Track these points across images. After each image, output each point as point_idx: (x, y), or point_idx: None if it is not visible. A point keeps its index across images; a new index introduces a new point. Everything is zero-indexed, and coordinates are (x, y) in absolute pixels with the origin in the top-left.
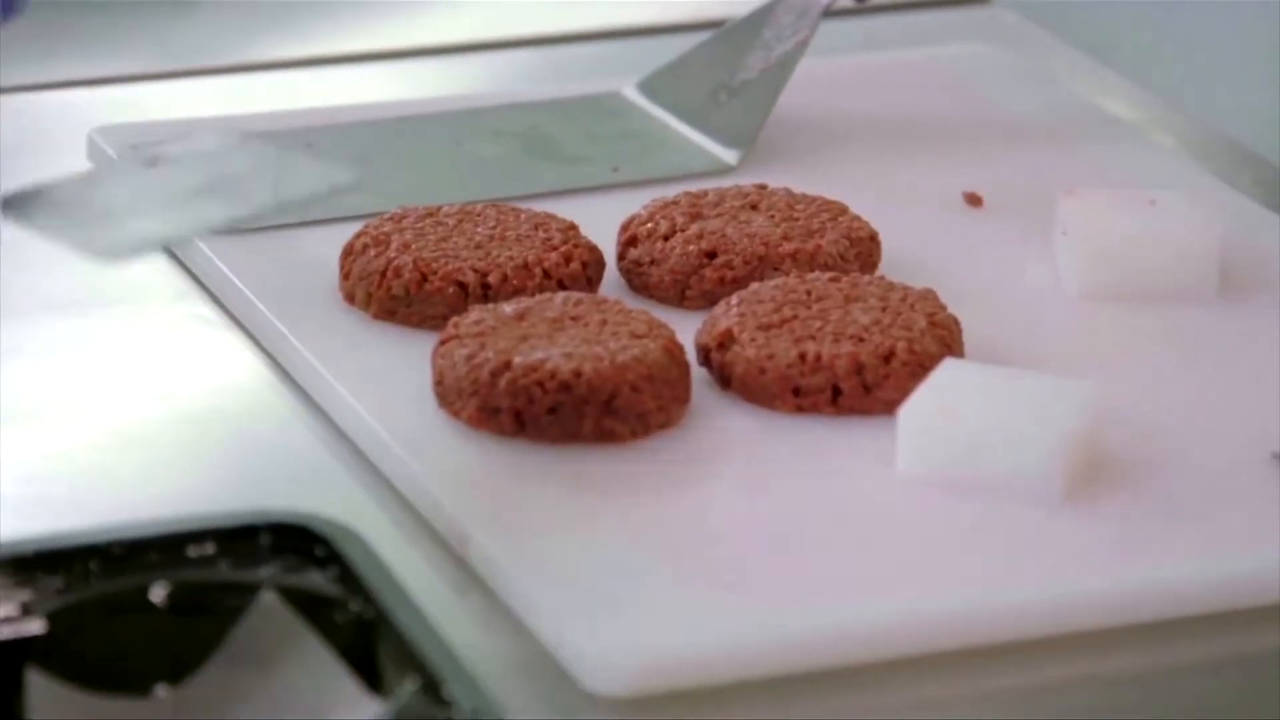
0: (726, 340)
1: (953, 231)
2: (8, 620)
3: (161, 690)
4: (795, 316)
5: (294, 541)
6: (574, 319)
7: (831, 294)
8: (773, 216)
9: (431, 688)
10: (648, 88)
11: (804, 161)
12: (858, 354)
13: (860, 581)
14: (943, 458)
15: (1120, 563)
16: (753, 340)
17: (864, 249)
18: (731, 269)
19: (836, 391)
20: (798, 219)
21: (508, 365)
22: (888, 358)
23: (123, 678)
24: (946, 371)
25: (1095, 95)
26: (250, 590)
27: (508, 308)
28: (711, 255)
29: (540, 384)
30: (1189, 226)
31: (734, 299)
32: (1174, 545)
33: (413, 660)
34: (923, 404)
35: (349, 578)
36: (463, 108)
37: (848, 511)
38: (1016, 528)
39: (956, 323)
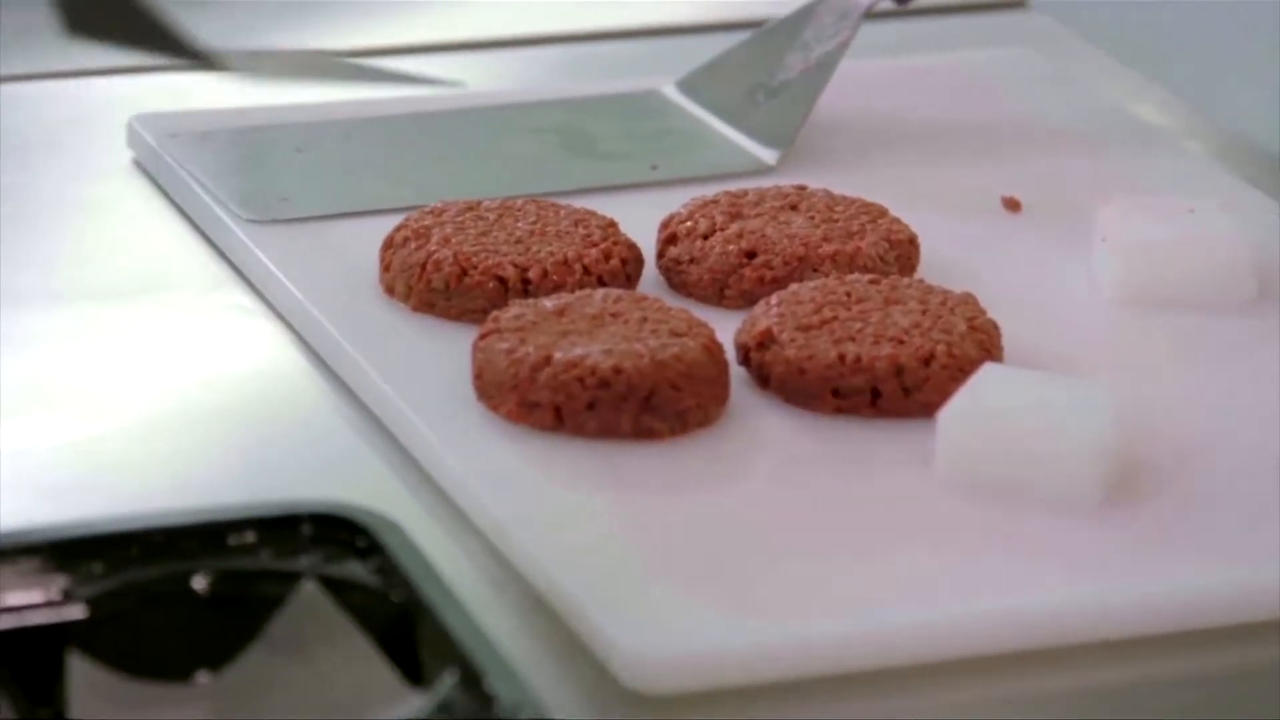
0: (766, 340)
1: (990, 236)
2: (49, 605)
3: (201, 677)
4: (835, 318)
5: (334, 532)
6: (614, 315)
7: (871, 296)
8: (812, 217)
9: (472, 681)
10: (687, 86)
11: (842, 163)
12: (897, 356)
13: (896, 585)
14: (981, 462)
15: (1156, 570)
16: (792, 341)
17: (903, 251)
18: (771, 269)
19: (875, 393)
20: (837, 220)
21: (548, 360)
22: (927, 360)
23: (162, 665)
24: (986, 376)
25: (1128, 101)
26: (290, 579)
27: (548, 303)
28: (751, 255)
29: (580, 379)
30: (1227, 235)
31: (774, 299)
32: (1210, 554)
33: (453, 653)
34: (963, 408)
35: (389, 569)
36: (500, 103)
37: (885, 514)
38: (1054, 533)
39: (996, 327)
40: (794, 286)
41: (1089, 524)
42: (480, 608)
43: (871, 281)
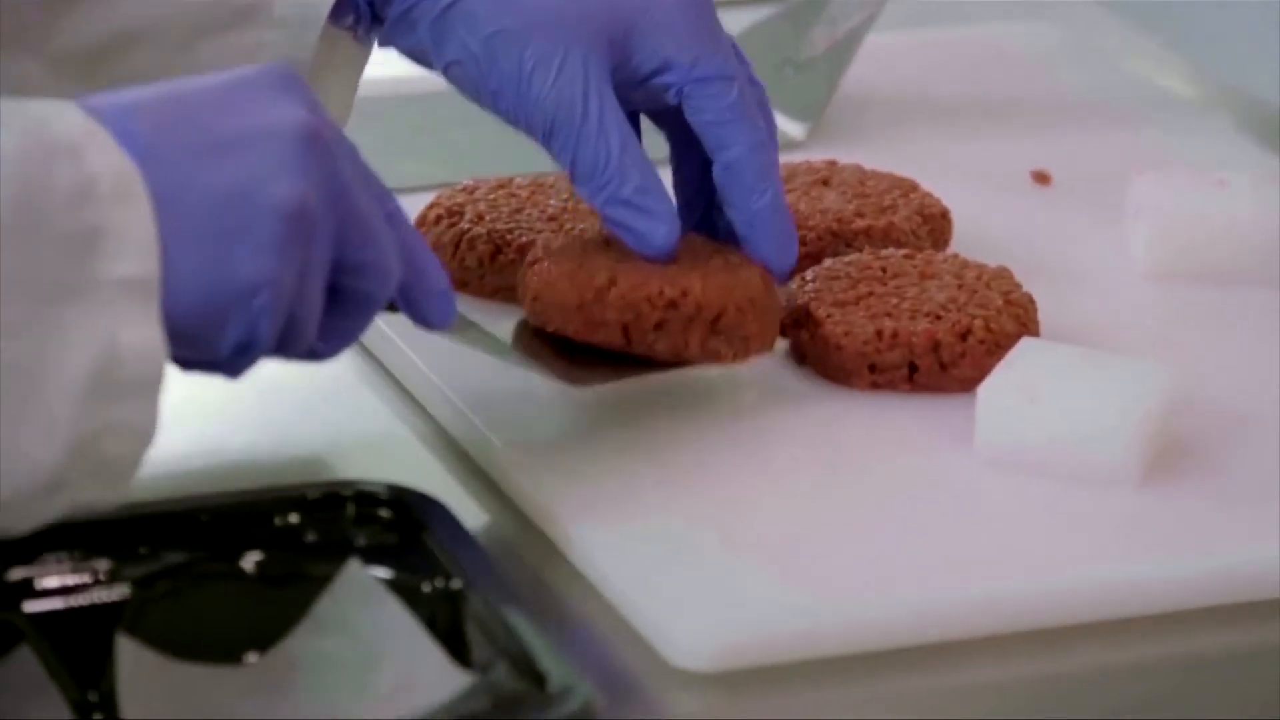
0: (802, 316)
1: (1022, 210)
2: (97, 584)
3: (249, 657)
4: (871, 293)
5: (379, 511)
6: None
7: (907, 271)
8: (844, 193)
9: (520, 662)
10: None
11: (870, 138)
12: (935, 331)
13: (937, 562)
14: (1021, 438)
15: (1197, 546)
16: (829, 316)
17: (936, 225)
18: (805, 244)
19: (913, 369)
20: (869, 195)
21: (613, 281)
22: (964, 335)
23: (210, 645)
24: (1025, 351)
25: (1156, 74)
26: (336, 559)
27: (591, 232)
28: None
29: (649, 299)
30: (1260, 207)
31: (809, 274)
32: (1250, 529)
33: (500, 633)
34: (1002, 383)
35: (436, 549)
36: None
37: (924, 491)
38: (1094, 509)
39: (1032, 301)
40: (828, 262)
41: (1129, 500)
42: (526, 587)
43: (906, 256)
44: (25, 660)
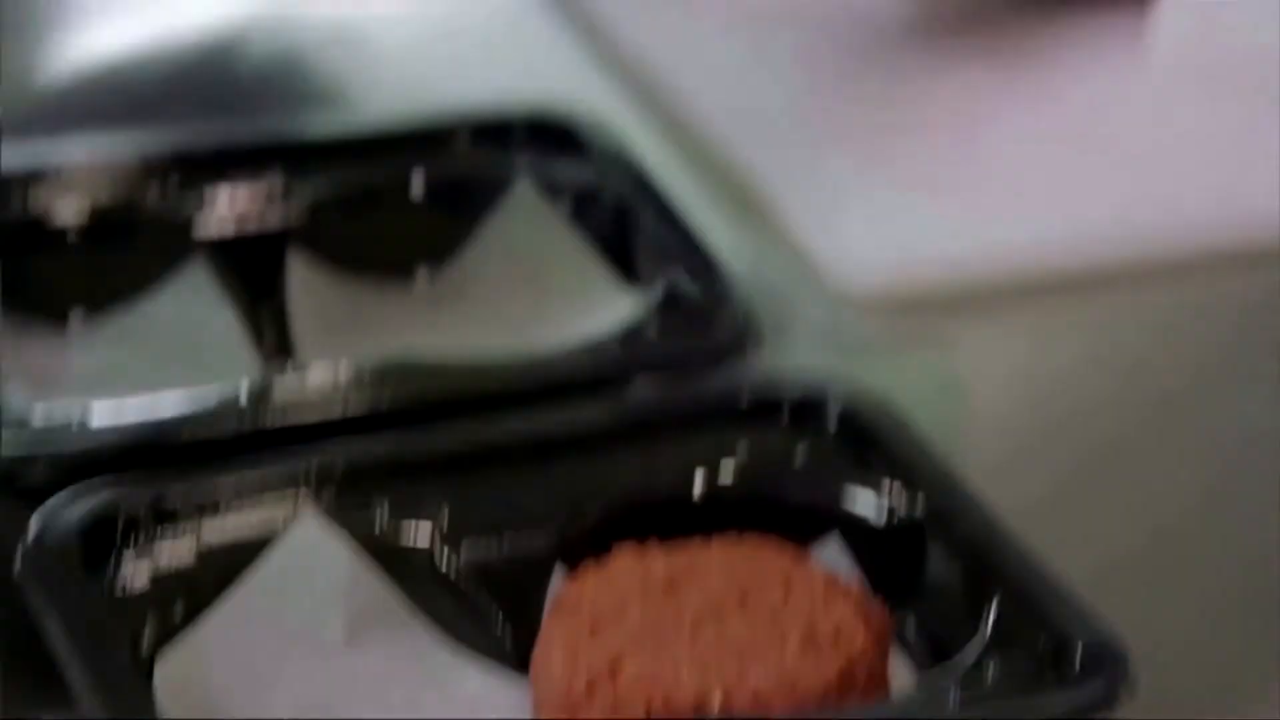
0: None
1: None
2: (269, 202)
3: (419, 277)
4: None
5: (548, 135)
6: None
7: None
8: None
9: (699, 270)
10: None
11: None
12: None
13: (1114, 185)
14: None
15: None
16: None
17: None
18: None
19: None
20: None
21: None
22: None
23: (379, 264)
24: None
25: None
26: (505, 180)
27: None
28: None
29: (653, 701)
30: None
31: None
32: None
33: (669, 251)
34: None
35: (603, 171)
36: None
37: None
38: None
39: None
40: None
41: None
42: (694, 209)
43: None
44: (197, 273)
